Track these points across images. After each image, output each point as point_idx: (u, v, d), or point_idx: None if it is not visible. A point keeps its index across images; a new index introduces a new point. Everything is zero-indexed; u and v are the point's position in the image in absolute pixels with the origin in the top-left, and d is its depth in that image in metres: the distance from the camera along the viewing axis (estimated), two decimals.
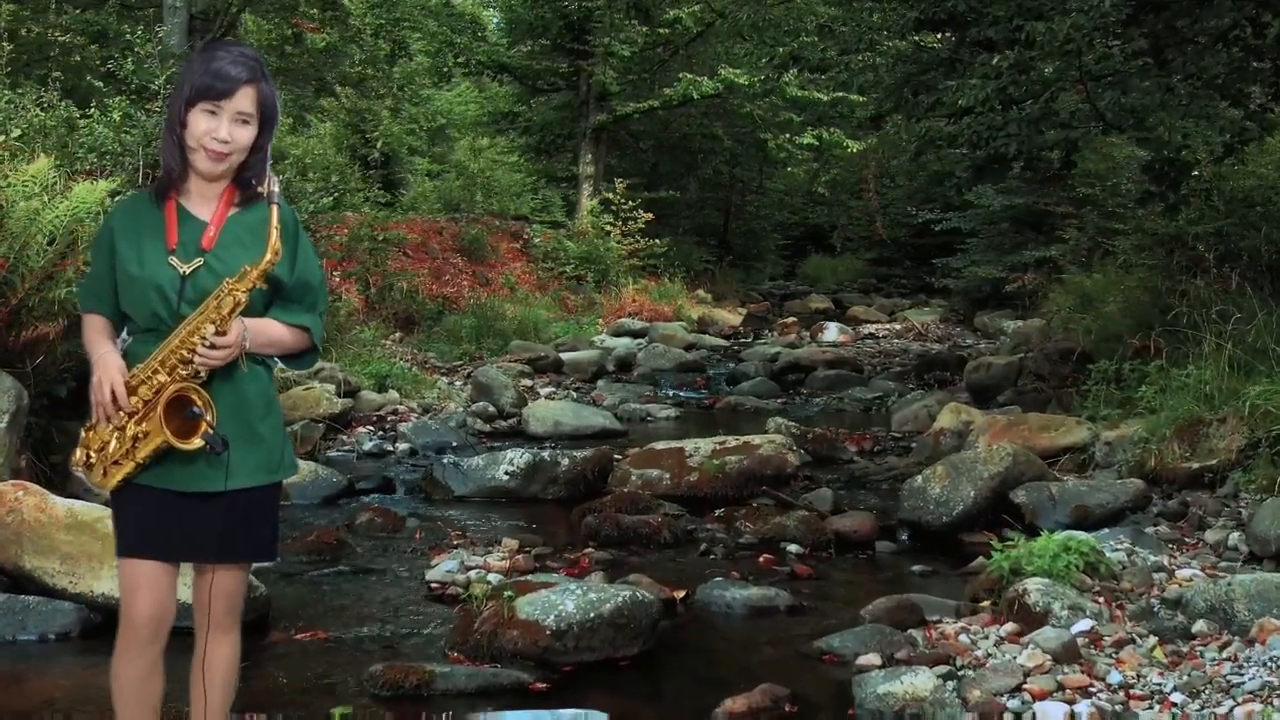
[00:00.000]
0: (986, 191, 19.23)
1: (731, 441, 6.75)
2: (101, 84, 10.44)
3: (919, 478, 6.01)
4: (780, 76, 12.42)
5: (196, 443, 2.37)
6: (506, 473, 6.74)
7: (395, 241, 13.93)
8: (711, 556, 5.41)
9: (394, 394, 9.33)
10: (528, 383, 11.14)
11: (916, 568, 5.24)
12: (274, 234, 2.42)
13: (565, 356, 12.55)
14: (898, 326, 19.29)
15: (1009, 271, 18.27)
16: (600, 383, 11.78)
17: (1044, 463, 6.34)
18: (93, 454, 2.45)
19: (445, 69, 23.34)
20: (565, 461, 6.77)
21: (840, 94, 20.05)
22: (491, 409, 9.10)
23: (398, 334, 12.45)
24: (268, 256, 2.41)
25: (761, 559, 5.35)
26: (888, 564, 5.46)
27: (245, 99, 2.43)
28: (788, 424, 7.98)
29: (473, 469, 6.80)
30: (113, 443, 2.42)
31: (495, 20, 25.03)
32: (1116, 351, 9.27)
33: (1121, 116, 7.96)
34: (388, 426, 8.58)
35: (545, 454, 6.87)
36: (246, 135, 2.45)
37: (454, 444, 8.21)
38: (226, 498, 2.44)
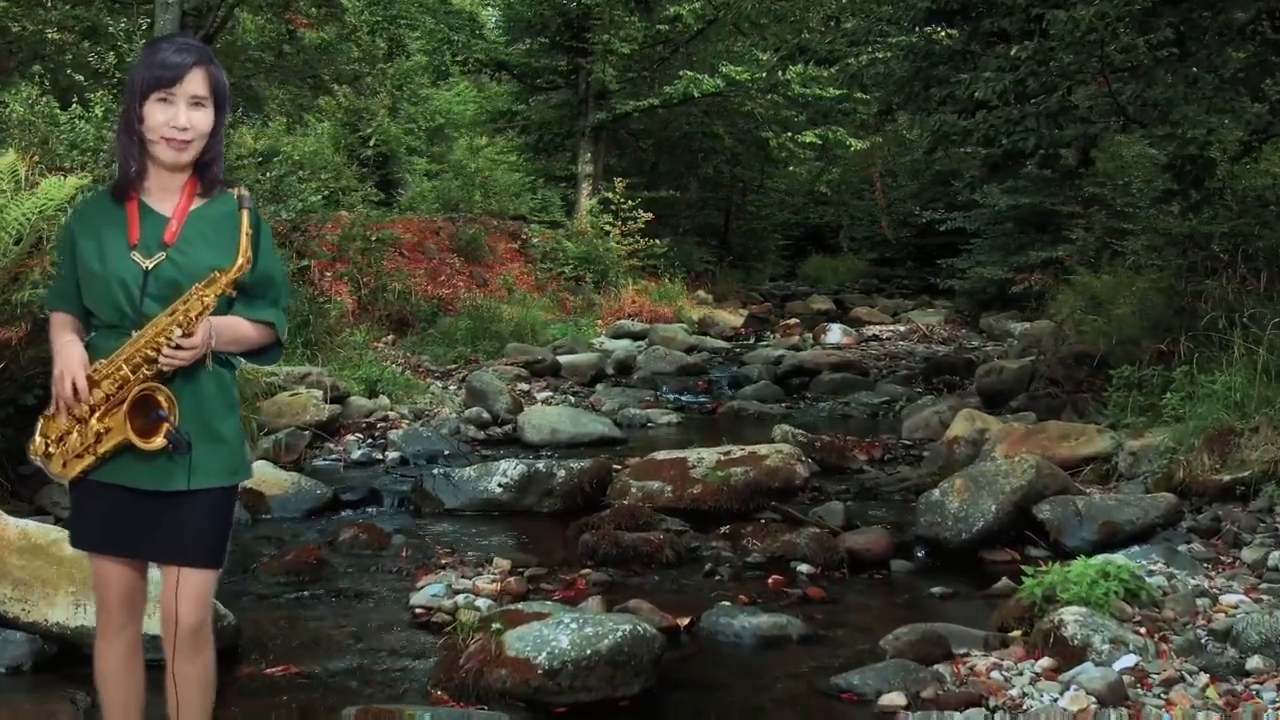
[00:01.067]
0: (992, 191, 18.91)
1: (737, 451, 6.40)
2: (82, 78, 10.07)
3: (936, 491, 5.67)
4: (786, 70, 12.07)
5: (159, 443, 2.37)
6: (499, 484, 6.40)
7: (389, 241, 13.56)
8: (717, 577, 5.06)
9: (384, 399, 8.97)
10: (524, 387, 10.80)
11: (936, 590, 4.90)
12: (244, 240, 2.44)
13: (563, 359, 12.20)
14: (902, 328, 18.94)
15: (1015, 272, 17.97)
16: (599, 387, 11.44)
17: (1068, 475, 6.00)
18: (51, 445, 2.47)
19: (443, 67, 23.03)
20: (561, 473, 6.42)
21: (844, 91, 19.76)
22: (486, 415, 8.75)
23: (390, 336, 12.09)
24: (239, 262, 2.43)
25: (771, 580, 5.00)
26: (905, 585, 5.11)
27: (196, 82, 2.42)
28: (794, 432, 7.63)
29: (464, 480, 6.45)
30: (74, 436, 2.43)
31: (493, 18, 24.72)
32: (1133, 355, 8.97)
33: (1143, 111, 7.62)
34: (377, 434, 8.23)
35: (540, 465, 6.52)
36: (204, 119, 2.44)
37: (446, 452, 7.87)
38: (187, 498, 2.44)
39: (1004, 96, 6.79)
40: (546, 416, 8.56)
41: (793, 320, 18.99)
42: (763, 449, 6.41)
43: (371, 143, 17.14)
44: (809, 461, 6.65)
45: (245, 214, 2.45)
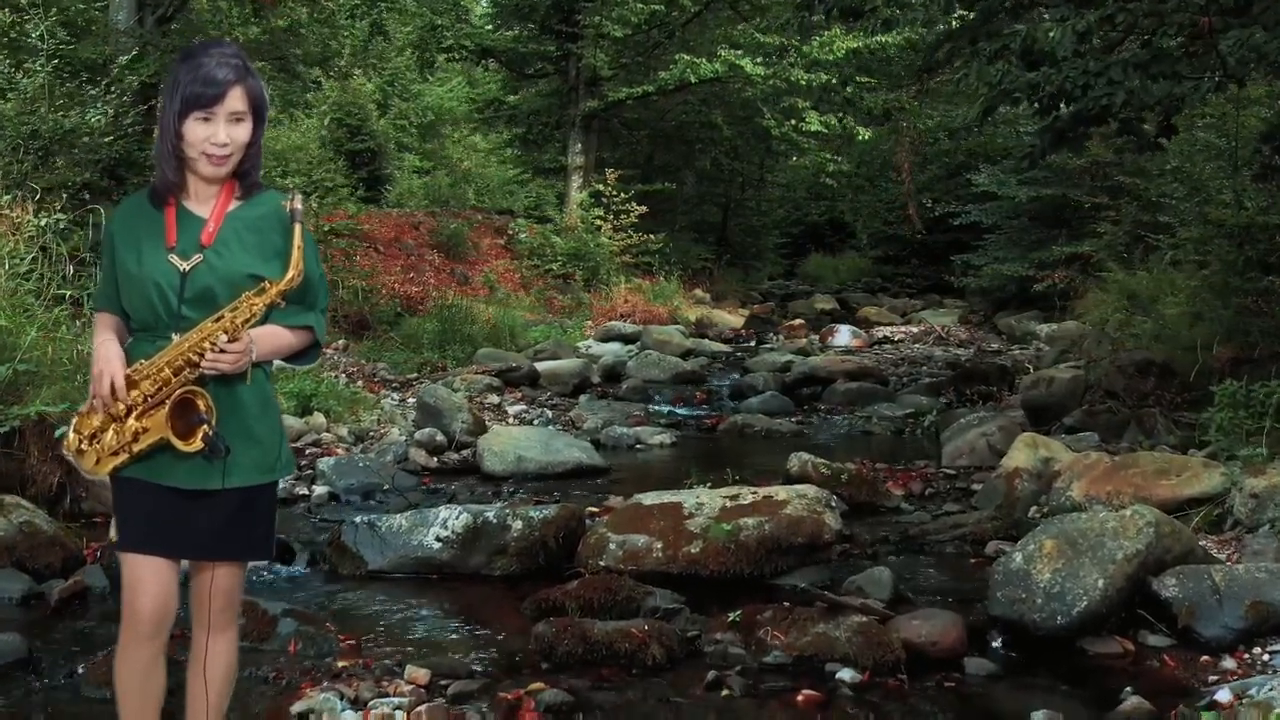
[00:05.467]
0: (1009, 182, 17.62)
1: (747, 496, 4.93)
2: None
3: (1018, 555, 4.20)
4: (806, 37, 10.57)
5: (197, 444, 2.36)
6: (438, 539, 4.91)
7: (344, 233, 12.06)
8: (725, 692, 3.56)
9: (319, 418, 7.47)
10: (495, 399, 9.32)
11: (1040, 715, 3.41)
12: (296, 254, 2.43)
13: (542, 367, 10.70)
14: (915, 329, 17.61)
15: (1036, 269, 16.72)
16: (583, 398, 9.96)
17: (1191, 532, 4.54)
18: (84, 442, 2.45)
19: (429, 57, 21.78)
20: (518, 524, 4.92)
21: (848, 74, 18.45)
22: (440, 438, 7.26)
23: (343, 341, 10.58)
24: (290, 275, 2.43)
25: (801, 697, 3.51)
26: (989, 701, 3.63)
27: (236, 99, 2.41)
28: (816, 462, 6.13)
29: (393, 533, 4.97)
30: (110, 434, 2.42)
31: (481, 2, 23.47)
32: (1203, 364, 7.72)
33: (1243, 65, 6.17)
34: (304, 463, 6.74)
35: (490, 514, 5.01)
36: (243, 133, 2.44)
37: (385, 487, 6.40)
38: (223, 496, 2.45)
39: (1085, 40, 5.33)
40: (512, 440, 7.05)
41: (797, 321, 17.69)
42: (780, 493, 4.93)
43: (327, 122, 15.65)
44: (837, 506, 5.15)
45: (297, 227, 2.43)
